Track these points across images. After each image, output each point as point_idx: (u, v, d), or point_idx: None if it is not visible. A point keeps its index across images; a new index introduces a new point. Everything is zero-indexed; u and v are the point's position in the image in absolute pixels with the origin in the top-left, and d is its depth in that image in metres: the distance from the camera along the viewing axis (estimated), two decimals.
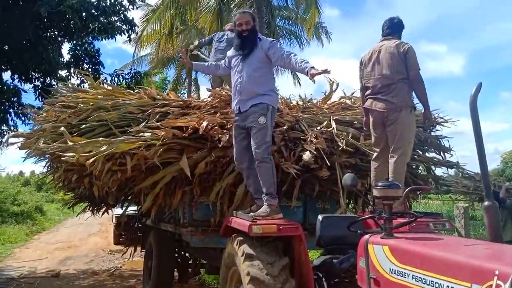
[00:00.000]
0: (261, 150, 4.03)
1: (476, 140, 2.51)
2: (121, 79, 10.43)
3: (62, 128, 4.26)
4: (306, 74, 3.95)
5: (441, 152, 5.82)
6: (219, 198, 4.73)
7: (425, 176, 5.91)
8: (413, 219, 3.11)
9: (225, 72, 4.78)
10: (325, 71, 3.90)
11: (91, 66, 10.43)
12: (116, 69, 10.88)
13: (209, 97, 5.35)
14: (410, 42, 4.29)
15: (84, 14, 8.85)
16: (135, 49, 18.80)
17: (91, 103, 4.74)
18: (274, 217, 3.89)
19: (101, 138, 4.22)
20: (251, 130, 4.14)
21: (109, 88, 5.49)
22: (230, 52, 4.60)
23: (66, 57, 10.43)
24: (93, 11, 9.22)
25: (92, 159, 4.09)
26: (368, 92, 4.49)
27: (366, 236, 3.07)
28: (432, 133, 5.82)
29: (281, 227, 3.65)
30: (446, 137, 5.80)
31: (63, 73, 10.23)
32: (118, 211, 9.21)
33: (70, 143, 4.09)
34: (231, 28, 7.56)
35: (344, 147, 4.83)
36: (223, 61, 4.77)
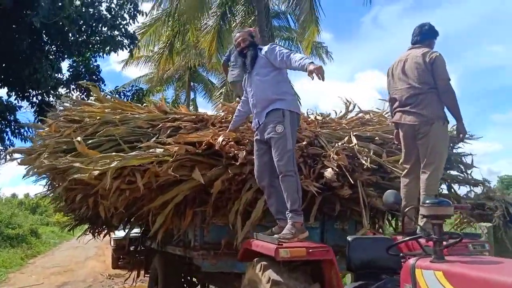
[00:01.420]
0: (284, 162, 3.75)
1: None
2: (122, 97, 10.13)
3: (78, 138, 3.93)
4: (305, 70, 3.72)
5: (464, 169, 5.53)
6: (237, 218, 4.38)
7: (448, 195, 5.61)
8: (458, 239, 2.80)
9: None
10: (320, 69, 3.64)
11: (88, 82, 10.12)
12: (117, 86, 10.60)
13: (222, 111, 5.05)
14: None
15: (83, 26, 8.54)
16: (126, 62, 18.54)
17: (97, 117, 4.44)
18: (300, 237, 3.57)
19: (114, 153, 3.90)
20: (270, 141, 3.88)
21: (116, 101, 5.15)
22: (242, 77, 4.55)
23: (66, 74, 10.12)
24: (92, 22, 8.93)
25: (97, 173, 3.76)
26: (396, 104, 4.21)
27: (411, 260, 2.74)
28: (454, 150, 5.55)
29: (310, 250, 3.31)
30: (470, 154, 5.50)
31: (62, 90, 9.91)
32: (118, 233, 8.82)
33: (81, 159, 3.74)
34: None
35: (368, 164, 4.54)
36: (243, 98, 4.58)
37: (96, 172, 3.68)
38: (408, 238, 3.02)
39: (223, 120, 4.80)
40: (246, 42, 4.27)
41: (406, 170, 4.23)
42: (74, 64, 10.21)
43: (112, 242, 11.59)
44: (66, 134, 4.31)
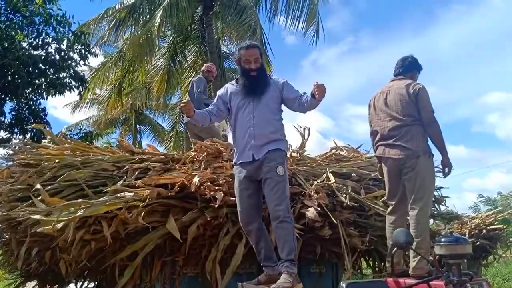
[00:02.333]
0: (283, 207, 3.39)
1: None
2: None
3: (38, 186, 3.46)
4: (312, 97, 3.46)
5: (436, 204, 5.45)
6: (215, 266, 4.00)
7: None
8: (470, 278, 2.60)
9: (218, 119, 4.00)
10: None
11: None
12: (60, 131, 9.96)
13: (193, 150, 4.72)
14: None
15: (31, 68, 8.03)
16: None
17: (56, 160, 3.98)
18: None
19: (80, 200, 3.46)
20: (265, 183, 3.48)
21: (75, 143, 4.70)
22: (230, 91, 3.84)
23: (8, 116, 9.41)
24: (41, 65, 8.44)
25: (61, 225, 3.31)
26: (378, 137, 4.06)
27: None
28: None
29: None
30: (442, 187, 5.43)
31: (4, 134, 9.19)
32: None
33: (41, 208, 3.27)
34: (211, 70, 7.11)
35: (348, 202, 4.35)
36: (212, 106, 3.89)
37: (60, 224, 3.22)
38: (424, 279, 2.78)
39: (194, 160, 4.46)
40: (258, 63, 3.68)
41: (391, 207, 4.05)
42: (17, 107, 9.53)
43: None
44: (21, 180, 3.81)
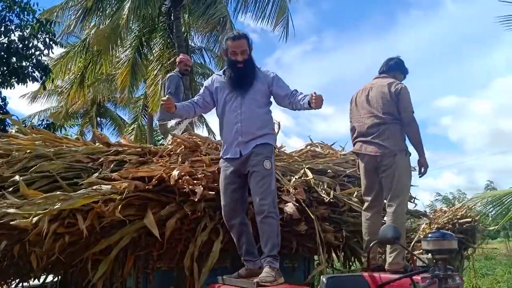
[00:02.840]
0: (268, 201, 3.36)
1: None
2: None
3: (17, 177, 3.27)
4: (308, 105, 3.39)
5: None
6: (193, 262, 3.93)
7: None
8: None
9: (204, 111, 3.90)
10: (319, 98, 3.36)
11: None
12: (24, 119, 9.58)
13: (171, 143, 4.62)
14: None
15: None
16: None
17: (28, 151, 3.80)
18: (279, 281, 3.23)
19: (58, 192, 3.31)
20: (251, 176, 3.44)
21: (45, 133, 4.50)
22: (217, 83, 3.76)
23: None
24: (2, 53, 8.06)
25: (36, 218, 3.17)
26: (356, 134, 4.11)
27: None
28: None
29: None
30: (412, 185, 5.54)
31: None
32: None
33: (15, 201, 3.12)
34: (183, 60, 6.96)
35: (325, 197, 4.39)
36: (197, 97, 3.84)
37: (36, 218, 3.07)
38: (408, 273, 2.82)
39: (171, 153, 4.37)
40: (245, 55, 3.58)
41: (367, 203, 4.11)
42: None
43: None
44: None
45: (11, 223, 3.15)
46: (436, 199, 29.20)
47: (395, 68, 4.20)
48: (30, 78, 8.82)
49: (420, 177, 4.02)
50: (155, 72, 14.41)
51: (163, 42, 14.34)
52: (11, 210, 3.15)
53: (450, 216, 6.65)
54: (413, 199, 5.55)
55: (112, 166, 3.96)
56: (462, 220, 6.58)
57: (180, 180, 3.86)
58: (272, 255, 3.33)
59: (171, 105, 3.51)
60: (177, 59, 7.05)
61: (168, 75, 6.97)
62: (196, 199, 3.75)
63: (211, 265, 3.96)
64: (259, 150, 3.48)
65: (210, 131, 18.50)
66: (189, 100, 3.88)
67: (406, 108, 3.92)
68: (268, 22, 12.88)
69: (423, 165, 4.01)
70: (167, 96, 3.84)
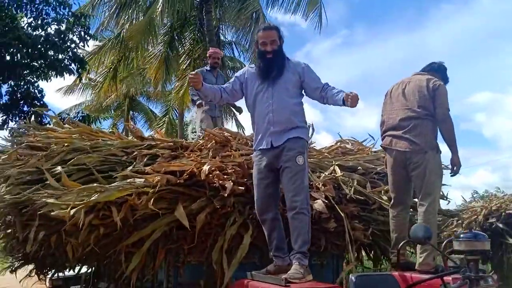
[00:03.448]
0: (301, 198, 3.35)
1: None
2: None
3: (59, 168, 3.39)
4: (343, 103, 3.36)
5: None
6: (223, 256, 3.98)
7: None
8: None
9: (231, 99, 3.91)
10: (355, 97, 3.30)
11: (31, 108, 9.32)
12: (60, 112, 9.85)
13: (202, 138, 4.69)
14: None
15: (30, 49, 7.86)
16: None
17: (65, 144, 3.92)
18: (308, 279, 3.24)
19: (95, 185, 3.41)
20: (283, 172, 3.42)
21: (82, 127, 4.63)
22: (248, 74, 3.75)
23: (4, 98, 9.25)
24: (40, 45, 8.29)
25: (75, 209, 3.28)
26: (386, 127, 4.06)
27: None
28: None
29: None
30: (444, 184, 5.46)
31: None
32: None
33: (53, 192, 3.22)
34: (211, 54, 7.00)
35: (353, 195, 4.37)
36: (227, 84, 3.85)
37: (75, 209, 3.18)
38: (439, 274, 2.80)
39: (202, 148, 4.43)
40: (274, 45, 3.57)
41: (393, 200, 4.07)
42: (12, 89, 9.37)
43: (47, 283, 10.43)
44: (30, 163, 3.74)
45: (51, 214, 3.26)
46: (473, 197, 28.32)
47: (437, 70, 4.13)
48: (67, 71, 9.06)
49: (452, 176, 3.95)
50: (185, 66, 14.54)
51: (193, 36, 14.43)
52: (51, 200, 3.25)
53: (501, 202, 6.36)
54: (445, 198, 5.47)
55: (145, 160, 4.04)
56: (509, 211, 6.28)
57: (210, 175, 3.91)
58: (302, 251, 3.33)
59: (198, 81, 3.51)
60: (208, 53, 7.10)
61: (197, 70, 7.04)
62: (226, 194, 3.79)
63: (240, 258, 3.99)
64: (291, 144, 3.43)
65: (239, 126, 18.57)
66: (218, 85, 3.92)
67: (442, 105, 3.85)
68: (300, 13, 12.85)
69: (455, 164, 3.93)
70: (196, 71, 3.89)
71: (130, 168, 3.87)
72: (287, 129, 3.49)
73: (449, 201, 5.27)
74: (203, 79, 6.44)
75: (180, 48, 14.82)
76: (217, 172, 3.94)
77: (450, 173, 3.97)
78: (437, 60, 4.23)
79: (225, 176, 3.99)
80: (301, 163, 3.40)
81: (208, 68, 6.87)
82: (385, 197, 4.65)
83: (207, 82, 6.56)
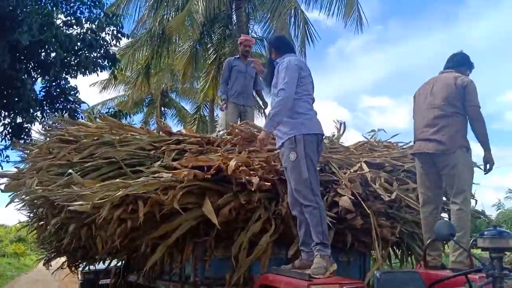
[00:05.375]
0: (302, 191, 3.48)
1: None
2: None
3: (70, 171, 3.51)
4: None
5: None
6: (242, 250, 4.02)
7: None
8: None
9: None
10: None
11: (65, 104, 9.59)
12: (93, 106, 10.10)
13: (228, 134, 4.72)
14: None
15: (67, 46, 8.06)
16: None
17: (95, 138, 4.03)
18: (331, 270, 3.26)
19: (118, 180, 3.50)
20: (285, 172, 3.70)
21: (112, 121, 4.74)
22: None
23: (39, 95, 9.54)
24: (75, 43, 8.51)
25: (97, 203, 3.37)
26: (416, 132, 4.04)
27: None
28: None
29: (345, 287, 3.00)
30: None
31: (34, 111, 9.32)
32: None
33: (80, 181, 3.33)
34: (242, 42, 6.93)
35: (383, 193, 4.31)
36: None
37: (98, 202, 3.28)
38: (463, 272, 2.75)
39: (228, 143, 4.47)
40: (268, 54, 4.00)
41: (424, 200, 4.01)
42: (47, 85, 9.67)
43: (79, 276, 10.65)
44: (61, 156, 3.87)
45: (74, 208, 3.36)
46: (507, 197, 27.36)
47: (461, 63, 4.05)
48: (99, 68, 9.27)
49: (485, 173, 3.87)
50: (211, 61, 14.67)
51: (221, 32, 14.51)
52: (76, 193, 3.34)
53: None
54: (473, 197, 5.35)
55: (173, 155, 4.10)
56: None
57: (237, 170, 3.94)
58: (320, 242, 3.38)
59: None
60: (239, 40, 6.97)
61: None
62: (253, 189, 3.82)
63: (258, 253, 4.03)
64: (283, 149, 3.66)
65: None
66: None
67: (473, 102, 3.77)
68: (337, 15, 12.81)
69: (488, 162, 3.86)
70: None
71: (159, 163, 3.94)
72: (279, 130, 3.73)
73: (476, 200, 5.12)
74: (233, 66, 6.47)
75: (210, 44, 14.92)
76: (244, 167, 3.97)
77: (484, 172, 3.90)
78: (458, 51, 4.15)
79: (251, 172, 4.02)
80: (293, 159, 3.52)
81: (237, 56, 6.78)
82: (412, 195, 4.60)
83: (237, 69, 6.60)
